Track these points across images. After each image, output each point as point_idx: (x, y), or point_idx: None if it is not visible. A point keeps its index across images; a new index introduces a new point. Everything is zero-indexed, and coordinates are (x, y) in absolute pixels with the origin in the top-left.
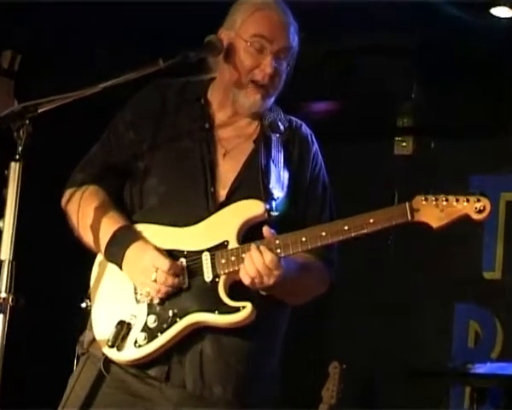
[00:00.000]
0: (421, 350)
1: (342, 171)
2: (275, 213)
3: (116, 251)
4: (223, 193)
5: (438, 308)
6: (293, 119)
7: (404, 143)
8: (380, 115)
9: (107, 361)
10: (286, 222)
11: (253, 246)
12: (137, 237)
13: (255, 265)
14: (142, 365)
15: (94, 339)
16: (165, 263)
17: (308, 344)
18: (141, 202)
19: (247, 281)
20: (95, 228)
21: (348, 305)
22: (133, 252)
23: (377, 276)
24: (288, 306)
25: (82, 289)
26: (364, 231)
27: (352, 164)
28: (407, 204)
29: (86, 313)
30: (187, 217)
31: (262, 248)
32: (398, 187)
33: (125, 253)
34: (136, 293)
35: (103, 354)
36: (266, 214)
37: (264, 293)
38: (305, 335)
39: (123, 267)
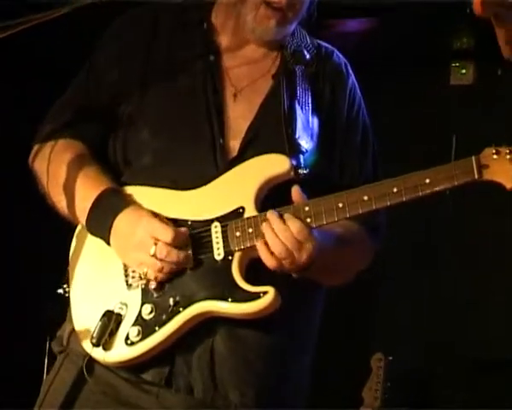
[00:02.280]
0: (485, 340)
1: (386, 110)
2: (303, 171)
3: (101, 221)
4: (234, 146)
5: (504, 291)
6: (323, 44)
7: (462, 71)
8: (431, 35)
9: (91, 361)
10: (316, 183)
11: (271, 214)
12: (128, 201)
13: (279, 238)
14: (135, 367)
15: (73, 331)
16: (167, 232)
17: (345, 332)
18: (129, 159)
19: (269, 262)
20: (71, 191)
21: (397, 284)
22: (124, 221)
23: (432, 249)
24: (322, 288)
25: (58, 271)
26: (419, 194)
27: (398, 100)
28: (473, 159)
29: (64, 301)
30: (190, 178)
31: (287, 215)
32: (456, 128)
33: (113, 222)
34: (126, 275)
35: (86, 355)
36: (292, 172)
37: (294, 275)
38: (342, 321)
39: (111, 241)
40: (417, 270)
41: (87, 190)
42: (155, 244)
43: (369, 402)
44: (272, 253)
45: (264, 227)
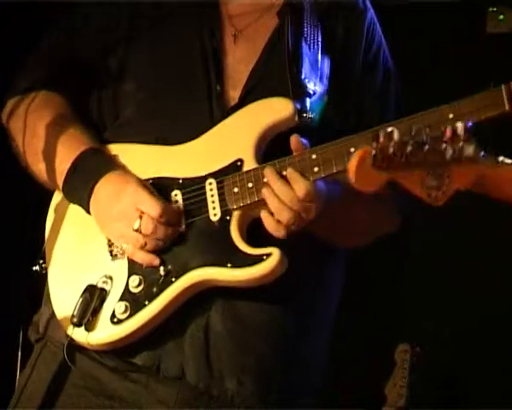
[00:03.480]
0: None
1: (412, 56)
2: (310, 116)
3: (80, 186)
4: (234, 94)
5: None
6: None
7: (500, 17)
8: None
9: (73, 347)
10: (327, 132)
11: (270, 173)
12: (111, 163)
13: (285, 204)
14: (122, 350)
15: (53, 316)
16: (154, 206)
17: (365, 318)
18: (113, 115)
19: (277, 232)
20: (50, 152)
21: (427, 263)
22: (107, 186)
23: (472, 222)
24: (338, 253)
25: (32, 245)
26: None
27: (426, 47)
28: (503, 87)
29: (40, 279)
30: (181, 131)
31: (289, 172)
32: (493, 81)
33: (93, 188)
34: (110, 245)
35: (67, 337)
36: (297, 117)
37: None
38: (361, 304)
39: (91, 209)
40: (452, 247)
41: (66, 151)
42: (140, 218)
43: (392, 400)
44: (276, 218)
45: (266, 193)
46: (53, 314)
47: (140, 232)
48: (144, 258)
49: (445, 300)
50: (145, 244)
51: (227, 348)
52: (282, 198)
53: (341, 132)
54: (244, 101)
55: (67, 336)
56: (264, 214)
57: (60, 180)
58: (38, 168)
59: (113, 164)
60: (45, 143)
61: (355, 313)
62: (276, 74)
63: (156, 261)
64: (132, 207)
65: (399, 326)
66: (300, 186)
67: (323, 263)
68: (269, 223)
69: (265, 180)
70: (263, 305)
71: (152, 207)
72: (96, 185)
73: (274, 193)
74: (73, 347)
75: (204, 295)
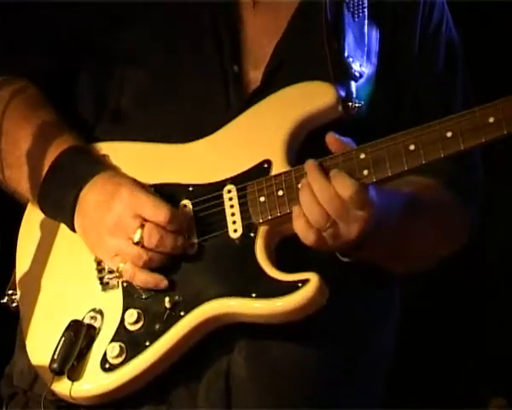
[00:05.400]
0: None
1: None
2: (356, 105)
3: (60, 196)
4: (255, 75)
5: None
6: None
7: None
8: None
9: (55, 404)
10: (377, 123)
11: (311, 165)
12: (99, 164)
13: (320, 203)
14: (117, 405)
15: (30, 366)
16: (158, 210)
17: (439, 357)
18: (102, 105)
19: (305, 236)
20: (17, 153)
21: None
22: (93, 194)
23: None
24: (393, 279)
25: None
26: None
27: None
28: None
29: (11, 315)
30: (189, 124)
31: (334, 172)
32: None
33: (77, 197)
34: (100, 270)
35: (45, 390)
36: (340, 107)
37: (345, 259)
38: (433, 338)
39: (76, 226)
40: None
41: (41, 152)
42: (141, 227)
43: None
44: (307, 219)
45: (301, 186)
46: (29, 362)
47: (142, 246)
48: (148, 280)
49: None
50: (149, 261)
51: (253, 398)
52: (317, 192)
53: (394, 126)
54: (268, 83)
55: (46, 388)
56: (295, 210)
57: (34, 189)
58: (9, 175)
59: (102, 165)
60: (13, 143)
61: (425, 351)
62: (309, 51)
63: (163, 283)
64: (129, 215)
65: (493, 372)
66: (343, 182)
67: (373, 290)
68: (297, 221)
69: (304, 171)
70: (296, 345)
71: (156, 211)
72: (80, 193)
73: (310, 187)
74: (55, 402)
75: (223, 333)
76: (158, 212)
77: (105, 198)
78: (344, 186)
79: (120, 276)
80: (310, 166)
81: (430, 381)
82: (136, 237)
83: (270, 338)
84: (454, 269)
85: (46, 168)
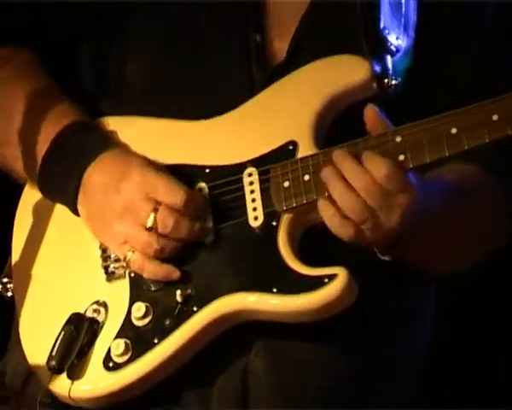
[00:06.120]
0: None
1: None
2: (392, 82)
3: (63, 176)
4: (280, 46)
5: None
6: None
7: None
8: None
9: (51, 404)
10: (414, 104)
11: (340, 150)
12: (107, 141)
13: (353, 189)
14: (120, 407)
15: (24, 361)
16: (174, 191)
17: (478, 355)
18: (109, 77)
19: (344, 232)
20: (14, 128)
21: None
22: (100, 173)
23: None
24: (429, 280)
25: None
26: None
27: None
28: None
29: (4, 307)
30: (208, 99)
31: (366, 154)
32: None
33: (81, 176)
34: (105, 258)
35: (42, 389)
36: (375, 84)
37: (385, 257)
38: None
39: (79, 209)
40: None
41: (43, 127)
42: (155, 211)
43: None
44: (341, 212)
45: (329, 172)
46: (24, 357)
47: (156, 232)
48: (158, 271)
49: None
50: (161, 250)
51: (273, 399)
52: (350, 178)
53: (432, 108)
54: (294, 57)
55: (41, 388)
56: (322, 199)
57: (33, 168)
58: (6, 152)
59: (109, 142)
60: (6, 118)
61: (461, 346)
62: (340, 22)
63: (175, 275)
64: (140, 197)
65: None
66: (380, 165)
67: (407, 285)
68: (326, 211)
69: (333, 154)
70: (320, 347)
71: (171, 193)
72: (85, 173)
73: (340, 173)
74: (53, 402)
75: (239, 331)
76: (173, 193)
77: (112, 179)
78: (378, 166)
79: (128, 266)
80: (339, 155)
81: (465, 380)
82: (150, 222)
83: (292, 339)
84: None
85: (46, 144)
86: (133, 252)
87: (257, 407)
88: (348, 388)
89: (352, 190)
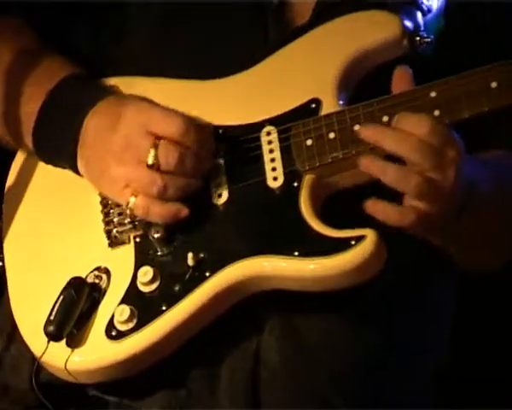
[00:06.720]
0: None
1: None
2: (425, 40)
3: (60, 127)
4: (302, 8)
5: None
6: None
7: None
8: None
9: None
10: (445, 67)
11: (373, 130)
12: (106, 90)
13: (397, 148)
14: (124, 385)
15: (15, 330)
16: (174, 120)
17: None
18: (112, 36)
19: (400, 182)
20: (5, 91)
21: None
22: (97, 118)
23: None
24: (455, 278)
25: None
26: None
27: None
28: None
29: None
30: (221, 57)
31: (397, 117)
32: None
33: (79, 127)
34: (108, 223)
35: (34, 360)
36: (406, 41)
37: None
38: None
39: (79, 164)
40: None
41: (35, 84)
42: (155, 147)
43: None
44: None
45: (373, 125)
46: (15, 325)
47: (157, 169)
48: (165, 212)
49: None
50: (165, 188)
51: (286, 389)
52: (397, 149)
53: (463, 64)
54: (318, 16)
55: (37, 358)
56: (369, 159)
57: (26, 127)
58: None
59: (107, 91)
60: (8, 79)
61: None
62: None
63: (184, 212)
64: (139, 134)
65: None
66: (417, 121)
67: (434, 271)
68: (380, 168)
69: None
70: (341, 329)
71: (171, 122)
72: (84, 121)
73: (377, 129)
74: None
75: (252, 307)
76: (171, 121)
77: (108, 121)
78: (418, 124)
79: (132, 213)
80: (371, 130)
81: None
82: (150, 159)
83: (310, 313)
84: None
85: (42, 99)
86: (136, 196)
87: (267, 389)
88: (365, 374)
89: (410, 135)
